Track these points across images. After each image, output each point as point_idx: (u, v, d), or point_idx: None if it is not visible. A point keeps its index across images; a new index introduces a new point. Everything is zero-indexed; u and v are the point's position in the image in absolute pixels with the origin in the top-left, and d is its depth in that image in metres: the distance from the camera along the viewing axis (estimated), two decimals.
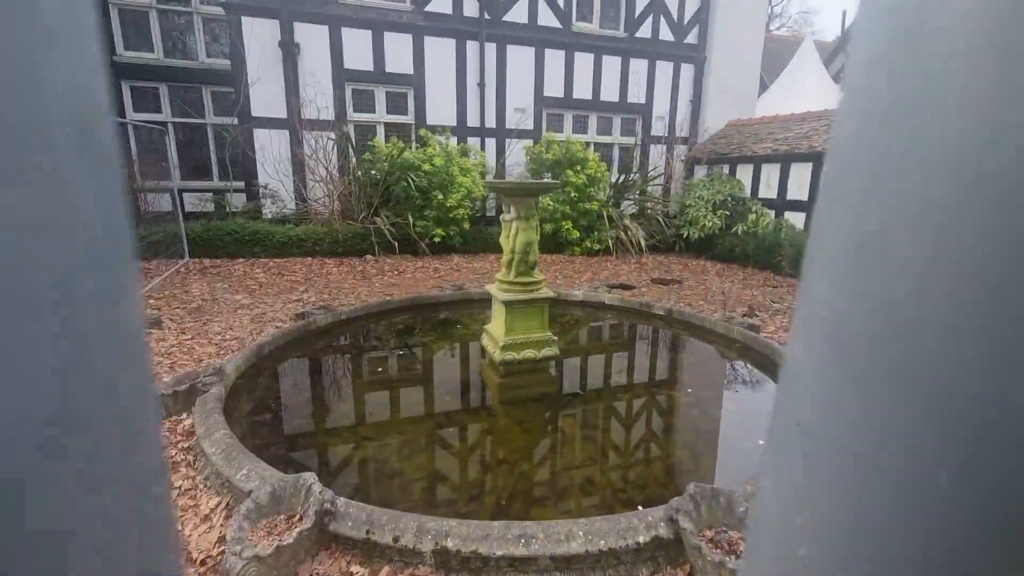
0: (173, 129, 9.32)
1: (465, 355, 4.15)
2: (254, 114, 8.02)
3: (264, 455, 2.45)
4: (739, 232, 8.34)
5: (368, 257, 7.69)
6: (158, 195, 8.31)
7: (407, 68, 8.70)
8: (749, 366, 3.94)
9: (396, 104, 8.91)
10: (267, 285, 6.11)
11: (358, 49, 8.38)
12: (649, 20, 10.07)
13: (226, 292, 5.67)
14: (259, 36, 7.83)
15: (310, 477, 2.02)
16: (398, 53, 8.59)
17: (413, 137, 8.82)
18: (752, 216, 8.37)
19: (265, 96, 7.99)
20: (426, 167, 7.66)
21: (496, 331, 3.60)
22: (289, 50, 7.93)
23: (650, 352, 4.57)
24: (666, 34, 10.26)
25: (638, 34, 10.06)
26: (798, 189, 8.13)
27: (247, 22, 7.76)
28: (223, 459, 2.29)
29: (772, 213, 8.48)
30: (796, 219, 8.13)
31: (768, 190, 8.67)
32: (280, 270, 6.87)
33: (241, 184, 8.54)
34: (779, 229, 8.07)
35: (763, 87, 13.53)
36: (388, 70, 8.62)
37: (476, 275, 7.04)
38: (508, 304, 3.39)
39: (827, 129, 8.10)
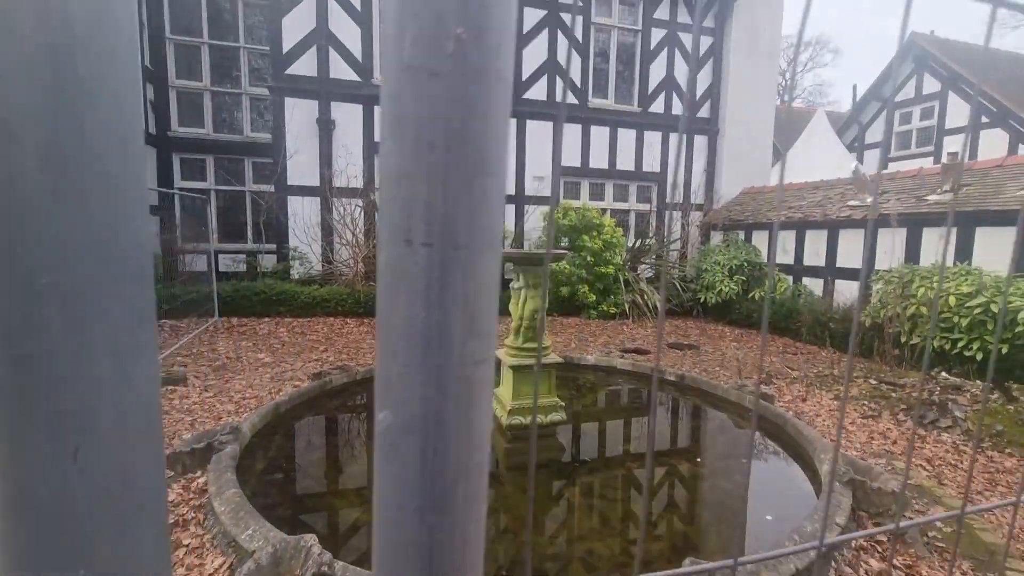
0: (215, 196, 10.02)
1: None
2: (290, 183, 8.62)
3: (272, 515, 2.51)
4: (756, 297, 8.33)
5: None
6: (196, 256, 8.83)
7: None
8: (761, 436, 3.86)
9: None
10: (289, 344, 6.32)
11: None
12: (662, 96, 10.65)
13: (250, 350, 5.89)
14: (299, 114, 8.56)
15: (311, 539, 2.06)
16: None
17: None
18: (769, 282, 8.37)
19: (300, 166, 8.61)
20: None
21: (503, 395, 3.66)
22: (325, 126, 8.61)
23: (659, 419, 4.52)
24: (679, 108, 10.78)
25: (652, 108, 10.61)
26: (815, 255, 8.16)
27: (289, 102, 8.52)
28: (231, 518, 2.35)
29: (790, 279, 8.49)
30: (815, 285, 8.11)
31: (785, 256, 8.72)
32: (303, 329, 7.11)
33: (273, 246, 9.03)
34: (797, 295, 8.05)
35: (779, 155, 13.89)
36: None
37: None
38: (515, 369, 3.47)
39: (840, 197, 8.24)
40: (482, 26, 0.29)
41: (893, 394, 4.37)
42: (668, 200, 10.74)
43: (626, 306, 8.86)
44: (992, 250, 5.88)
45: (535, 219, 9.81)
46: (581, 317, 8.91)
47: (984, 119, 11.23)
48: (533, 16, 9.71)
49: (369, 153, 8.97)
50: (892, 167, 12.00)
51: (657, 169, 10.72)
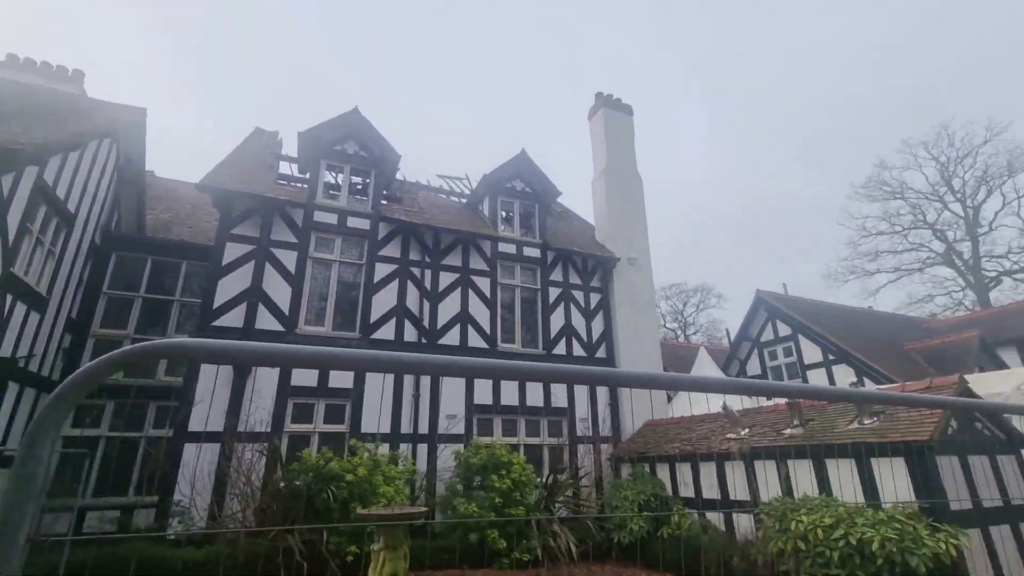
0: (104, 443, 9.46)
1: None
2: (190, 429, 8.43)
3: None
4: (664, 535, 8.25)
5: None
6: (59, 515, 7.87)
7: (348, 383, 9.74)
8: None
9: (333, 414, 9.60)
10: None
11: (305, 369, 9.51)
12: (563, 341, 12.11)
13: None
14: None
15: None
16: (341, 371, 9.75)
17: (346, 445, 9.19)
18: (675, 518, 8.44)
19: (207, 411, 8.54)
20: (349, 477, 7.80)
21: None
22: (241, 372, 8.94)
23: None
24: (579, 351, 12.20)
25: (555, 351, 11.93)
26: (710, 488, 8.51)
27: None
28: None
29: (695, 513, 8.60)
30: (718, 519, 8.24)
31: (686, 488, 9.00)
32: None
33: (155, 499, 8.27)
34: (704, 530, 8.07)
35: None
36: (330, 385, 9.62)
37: None
38: None
39: (721, 430, 9.06)
40: None
41: None
42: (578, 433, 11.23)
43: (539, 551, 8.40)
44: (845, 480, 6.53)
45: (446, 457, 9.81)
46: (492, 567, 8.26)
47: (831, 356, 13.43)
48: (448, 277, 11.47)
49: (283, 397, 9.16)
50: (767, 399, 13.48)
51: (565, 404, 11.48)
